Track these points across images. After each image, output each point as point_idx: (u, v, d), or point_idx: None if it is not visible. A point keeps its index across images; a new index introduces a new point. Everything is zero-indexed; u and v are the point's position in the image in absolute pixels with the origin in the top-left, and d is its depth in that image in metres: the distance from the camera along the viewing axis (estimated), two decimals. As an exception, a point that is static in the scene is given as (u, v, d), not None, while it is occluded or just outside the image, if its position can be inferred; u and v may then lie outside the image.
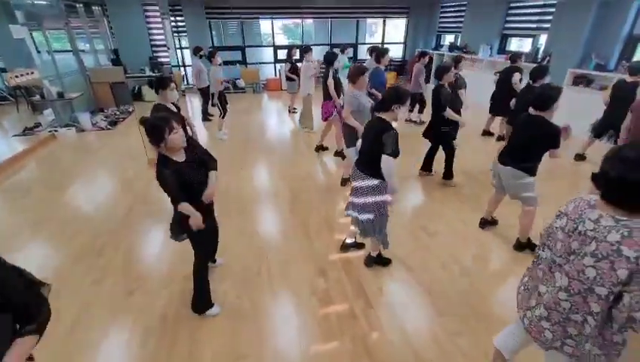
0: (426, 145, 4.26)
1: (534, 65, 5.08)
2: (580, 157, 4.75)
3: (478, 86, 7.00)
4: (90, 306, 2.41)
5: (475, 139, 5.76)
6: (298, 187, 4.16)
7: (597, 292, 1.12)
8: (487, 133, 5.90)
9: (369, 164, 2.32)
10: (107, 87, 7.83)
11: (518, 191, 2.74)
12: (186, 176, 1.92)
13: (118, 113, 7.60)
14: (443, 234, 3.22)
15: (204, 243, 2.24)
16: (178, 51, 10.17)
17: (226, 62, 10.16)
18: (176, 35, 9.81)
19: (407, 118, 6.80)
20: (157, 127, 1.82)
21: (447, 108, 3.67)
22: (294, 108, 7.52)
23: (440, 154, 4.13)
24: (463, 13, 9.22)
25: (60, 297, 2.46)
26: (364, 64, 5.58)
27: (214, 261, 2.75)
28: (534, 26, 7.11)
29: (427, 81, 7.05)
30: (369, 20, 12.34)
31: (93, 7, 8.39)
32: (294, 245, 3.07)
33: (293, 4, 9.78)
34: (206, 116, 7.01)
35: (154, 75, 8.63)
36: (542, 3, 6.86)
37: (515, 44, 8.22)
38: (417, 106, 6.55)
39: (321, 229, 3.28)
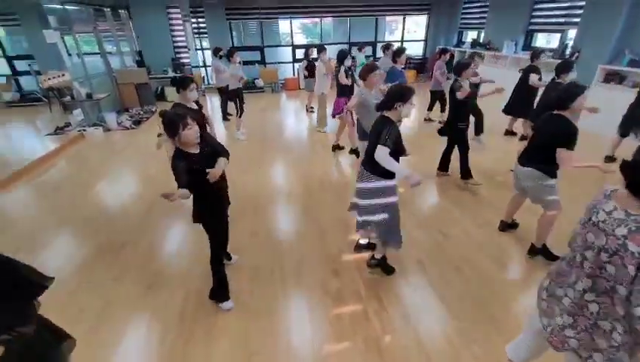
0: (444, 144, 4.17)
1: (563, 60, 4.87)
2: (610, 158, 4.51)
3: (502, 83, 6.77)
4: (110, 303, 2.51)
5: (497, 139, 5.58)
6: (313, 186, 4.18)
7: (619, 292, 1.08)
8: (509, 132, 5.71)
9: (372, 162, 2.29)
10: (132, 87, 8.12)
11: (539, 193, 2.63)
12: (198, 165, 2.00)
13: (142, 113, 7.87)
14: (459, 236, 3.15)
15: (218, 232, 2.31)
16: (199, 52, 10.42)
17: (245, 63, 10.32)
18: (197, 36, 10.05)
19: (427, 117, 6.67)
20: (172, 122, 1.95)
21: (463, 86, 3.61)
22: (312, 107, 7.54)
23: (456, 154, 4.04)
24: (486, 9, 8.94)
25: (83, 293, 2.59)
26: (378, 62, 5.56)
27: (230, 258, 2.81)
28: (562, 20, 6.80)
29: (448, 78, 6.89)
30: (389, 18, 12.17)
31: (120, 11, 8.71)
32: (308, 244, 3.09)
33: (312, 4, 9.79)
34: (225, 115, 7.14)
35: (176, 75, 8.89)
36: (571, -4, 6.55)
37: (541, 40, 7.89)
38: (439, 105, 6.38)
39: (335, 229, 3.28)
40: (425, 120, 6.68)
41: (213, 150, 2.16)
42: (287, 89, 10.33)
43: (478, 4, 9.38)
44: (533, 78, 4.72)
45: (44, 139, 6.20)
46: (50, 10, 6.57)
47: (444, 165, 4.28)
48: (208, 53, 10.21)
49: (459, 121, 3.78)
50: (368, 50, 8.98)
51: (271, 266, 2.81)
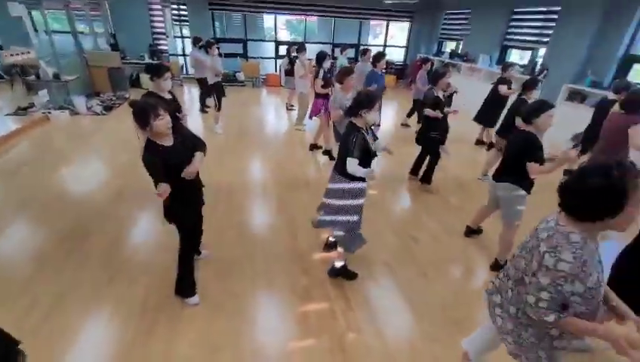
0: (418, 149, 4.30)
1: (529, 77, 5.15)
2: (569, 172, 4.81)
3: (475, 95, 7.05)
4: (70, 291, 2.41)
5: (468, 148, 5.82)
6: (289, 184, 4.18)
7: (526, 281, 1.29)
8: (480, 142, 5.96)
9: (341, 167, 2.33)
10: (105, 71, 7.76)
11: (511, 202, 2.70)
12: (174, 160, 1.94)
13: (114, 98, 7.53)
14: (427, 241, 3.26)
15: (190, 230, 2.26)
16: (179, 40, 10.11)
17: (226, 55, 10.15)
18: (177, 23, 9.75)
19: (404, 122, 6.84)
20: (143, 111, 1.87)
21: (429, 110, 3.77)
22: (292, 105, 7.52)
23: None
24: (466, 22, 9.27)
25: (40, 280, 2.46)
26: (356, 65, 5.64)
27: (199, 253, 2.76)
28: (534, 39, 7.18)
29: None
30: (373, 22, 12.34)
31: (95, -10, 8.29)
32: (280, 242, 3.09)
33: (298, 1, 9.76)
34: (203, 108, 6.98)
35: (152, 62, 8.59)
36: (543, 17, 6.93)
37: (515, 56, 8.28)
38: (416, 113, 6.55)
39: (308, 228, 3.29)
40: (402, 125, 6.85)
41: (188, 143, 2.10)
42: (268, 85, 10.23)
43: (459, 17, 9.71)
44: (502, 88, 4.97)
45: (5, 119, 5.79)
46: (16, -18, 6.14)
47: (416, 170, 4.40)
48: (189, 42, 9.94)
49: (431, 130, 3.91)
50: (350, 52, 9.05)
51: (241, 262, 2.79)
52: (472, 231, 3.32)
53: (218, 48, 5.68)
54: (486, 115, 5.34)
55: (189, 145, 2.09)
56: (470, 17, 9.04)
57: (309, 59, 5.68)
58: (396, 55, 11.85)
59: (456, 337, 2.21)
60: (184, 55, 10.17)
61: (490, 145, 5.45)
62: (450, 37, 10.32)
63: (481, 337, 1.71)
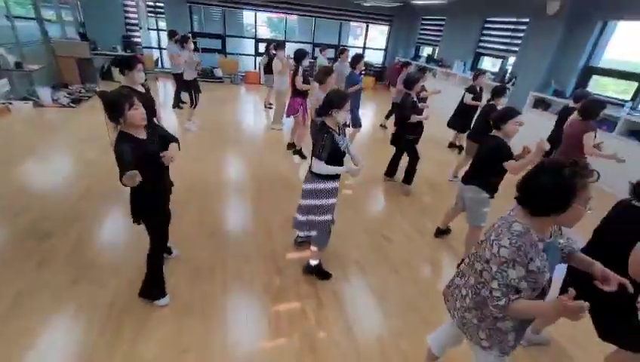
0: (393, 150, 4.41)
1: (499, 84, 5.40)
2: None
3: (450, 99, 7.29)
4: (30, 292, 2.30)
5: (441, 151, 6.01)
6: (264, 183, 4.16)
7: (475, 267, 1.38)
8: (452, 145, 6.18)
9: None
10: (73, 62, 7.40)
11: (476, 205, 2.82)
12: (148, 152, 1.89)
13: (83, 91, 7.20)
14: (399, 241, 3.35)
15: (160, 229, 2.21)
16: (154, 33, 9.80)
17: (204, 50, 9.95)
18: (152, 15, 9.44)
19: (382, 124, 6.97)
20: (116, 101, 1.80)
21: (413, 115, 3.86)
22: (270, 104, 7.48)
23: (404, 161, 4.28)
24: (441, 28, 9.55)
25: (-3, 282, 2.34)
26: (334, 65, 5.68)
27: (170, 252, 2.71)
28: (505, 48, 7.51)
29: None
30: (353, 23, 12.46)
31: (63, -25, 7.89)
32: (254, 241, 3.08)
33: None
34: (177, 103, 6.80)
35: (126, 54, 8.28)
36: (512, 27, 7.26)
37: (487, 63, 8.63)
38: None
39: (282, 227, 3.31)
40: (380, 125, 6.98)
41: (161, 138, 2.05)
42: (247, 82, 10.11)
43: (435, 23, 9.99)
44: (467, 97, 5.20)
45: (-42, 109, 5.41)
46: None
47: (391, 171, 4.51)
48: (165, 35, 9.66)
49: (406, 133, 4.02)
50: (330, 52, 9.10)
51: (213, 261, 2.76)
52: (442, 232, 3.45)
53: (195, 43, 5.57)
54: (458, 120, 5.55)
55: (162, 139, 2.05)
56: (445, 24, 9.32)
57: (289, 58, 5.65)
58: (375, 57, 12.04)
59: (422, 332, 2.29)
60: (160, 48, 9.87)
61: (462, 149, 5.68)
62: (427, 42, 10.59)
63: (445, 332, 1.79)
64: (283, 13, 10.34)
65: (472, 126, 5.02)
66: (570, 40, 5.96)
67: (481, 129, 4.06)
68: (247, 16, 11.37)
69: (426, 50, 10.83)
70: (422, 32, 10.73)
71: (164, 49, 9.65)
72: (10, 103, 5.75)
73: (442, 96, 7.36)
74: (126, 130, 1.87)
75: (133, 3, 8.66)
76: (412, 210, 3.93)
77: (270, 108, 7.40)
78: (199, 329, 2.16)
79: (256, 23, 10.36)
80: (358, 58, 5.01)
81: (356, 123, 5.05)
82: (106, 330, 2.09)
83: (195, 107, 5.64)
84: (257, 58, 10.36)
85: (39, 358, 1.92)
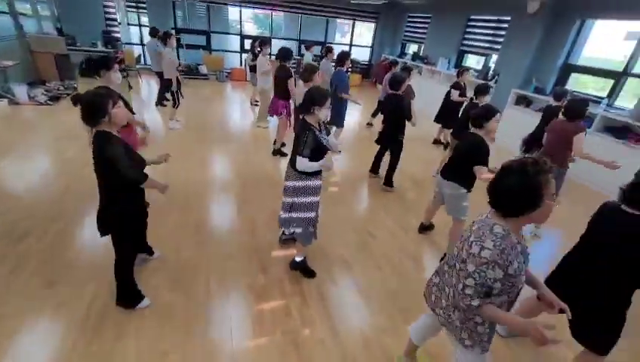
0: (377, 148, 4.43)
1: (482, 82, 5.49)
2: None
3: (434, 96, 7.37)
4: (3, 296, 2.22)
5: (426, 147, 6.08)
6: (250, 181, 4.13)
7: (458, 267, 1.37)
8: (437, 141, 6.25)
9: (295, 164, 2.38)
10: (51, 58, 7.16)
11: (455, 200, 2.88)
12: (132, 154, 1.85)
13: (62, 88, 6.98)
14: (384, 237, 3.38)
15: (130, 240, 2.14)
16: (136, 28, 9.57)
17: (188, 46, 9.78)
18: (134, 10, 9.21)
19: (369, 122, 6.99)
20: (98, 102, 1.74)
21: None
22: (257, 101, 7.40)
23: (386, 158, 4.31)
24: (427, 25, 9.63)
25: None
26: (320, 63, 5.66)
27: (152, 253, 2.66)
28: (488, 45, 7.63)
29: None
30: (340, 20, 12.44)
31: (39, -32, 7.61)
32: (238, 240, 3.06)
33: (264, -5, 9.60)
34: (161, 101, 6.67)
35: (107, 50, 8.06)
36: (495, 25, 7.37)
37: (471, 61, 8.75)
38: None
39: (267, 225, 3.29)
40: (367, 124, 7.00)
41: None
42: (233, 79, 9.99)
43: (420, 21, 10.07)
44: (454, 93, 5.28)
45: None
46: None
47: (375, 167, 4.53)
48: (147, 31, 9.45)
49: (400, 133, 4.04)
50: (316, 49, 9.07)
51: (196, 261, 2.73)
52: (425, 228, 3.49)
53: (179, 40, 5.46)
54: (443, 116, 5.62)
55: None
56: (431, 22, 9.41)
57: (271, 56, 5.59)
58: (361, 54, 12.06)
59: (405, 327, 2.33)
60: (142, 44, 9.64)
61: (447, 145, 5.75)
62: (413, 39, 10.67)
63: (425, 323, 1.84)
64: (269, 9, 10.24)
65: (456, 123, 5.08)
66: (549, 38, 6.10)
67: (465, 126, 4.11)
68: (233, 12, 11.20)
69: (412, 48, 10.90)
70: (408, 29, 10.80)
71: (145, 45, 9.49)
72: (-16, 101, 5.54)
73: (426, 94, 7.43)
74: (109, 129, 1.81)
75: (113, -3, 8.43)
76: (396, 207, 3.96)
77: (256, 105, 7.33)
78: (181, 331, 2.14)
79: (241, 19, 10.23)
80: (344, 56, 4.96)
81: (339, 122, 5.02)
82: (84, 335, 2.04)
83: (177, 106, 5.54)
84: (243, 55, 10.24)
85: (13, 364, 1.86)
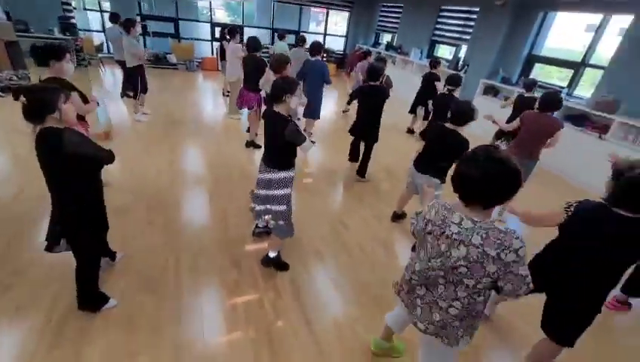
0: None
1: (453, 72, 5.60)
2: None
3: (408, 86, 7.47)
4: (-48, 305, 2.08)
5: (400, 137, 6.17)
6: (222, 174, 4.04)
7: (466, 283, 1.29)
8: (411, 131, 6.36)
9: (277, 160, 2.34)
10: (1, 45, 6.60)
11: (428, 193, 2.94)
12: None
13: (15, 78, 6.47)
14: (357, 226, 3.42)
15: (91, 247, 2.03)
16: (97, 14, 9.01)
17: (155, 34, 9.33)
18: (94, -6, 8.64)
19: (345, 109, 6.99)
20: (47, 97, 1.60)
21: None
22: (229, 92, 7.21)
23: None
24: (399, 15, 9.67)
25: None
26: (291, 54, 5.55)
27: (114, 258, 2.52)
28: (458, 36, 7.78)
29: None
30: (316, 9, 12.26)
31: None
32: (210, 235, 3.00)
33: (234, -19, 9.26)
34: (125, 91, 6.34)
35: (65, 37, 7.55)
36: (465, 16, 7.51)
37: (443, 51, 8.90)
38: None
39: (240, 219, 3.24)
40: (343, 111, 7.00)
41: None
42: (204, 69, 9.65)
43: (393, 11, 10.09)
44: (439, 85, 5.34)
45: None
46: None
47: (355, 156, 4.50)
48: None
49: (378, 124, 4.02)
50: (290, 38, 8.91)
51: (165, 258, 2.65)
52: (398, 216, 3.57)
53: (145, 27, 5.16)
54: (418, 106, 5.68)
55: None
56: (403, 11, 9.45)
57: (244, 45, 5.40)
58: (336, 44, 11.98)
59: (377, 314, 2.39)
60: (104, 31, 9.09)
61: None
62: (386, 29, 10.70)
63: (402, 317, 1.82)
64: (240, -4, 9.91)
65: (432, 114, 5.14)
66: (515, 29, 6.29)
67: (443, 118, 4.17)
68: (202, -2, 10.75)
69: (386, 38, 10.94)
70: (381, 19, 10.81)
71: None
72: None
73: (400, 84, 7.49)
74: (58, 125, 1.65)
75: (70, -20, 7.86)
76: (370, 197, 4.01)
77: (228, 96, 7.14)
78: (151, 331, 2.08)
79: (211, 6, 9.85)
80: (318, 46, 4.85)
81: (316, 114, 4.98)
82: (45, 341, 1.94)
83: (138, 98, 5.27)
84: (214, 43, 9.90)
85: (-35, 376, 1.75)
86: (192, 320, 2.20)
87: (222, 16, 13.48)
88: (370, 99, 3.90)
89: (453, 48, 8.19)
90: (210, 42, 10.07)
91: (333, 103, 7.98)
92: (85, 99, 2.65)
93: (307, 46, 5.07)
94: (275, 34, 8.80)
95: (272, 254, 2.65)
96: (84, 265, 2.01)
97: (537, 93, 4.47)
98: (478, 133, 5.59)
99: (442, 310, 1.39)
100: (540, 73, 6.51)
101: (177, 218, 3.21)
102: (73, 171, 1.72)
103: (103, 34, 9.10)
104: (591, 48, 5.46)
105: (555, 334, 1.85)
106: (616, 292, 2.64)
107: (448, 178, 1.39)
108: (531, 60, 6.32)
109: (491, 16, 6.52)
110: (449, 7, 7.95)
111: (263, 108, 4.62)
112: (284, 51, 6.04)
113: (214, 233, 3.04)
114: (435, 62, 5.56)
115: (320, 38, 11.32)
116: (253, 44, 4.39)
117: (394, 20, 10.10)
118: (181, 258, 2.69)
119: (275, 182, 2.37)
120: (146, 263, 2.59)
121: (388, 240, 3.28)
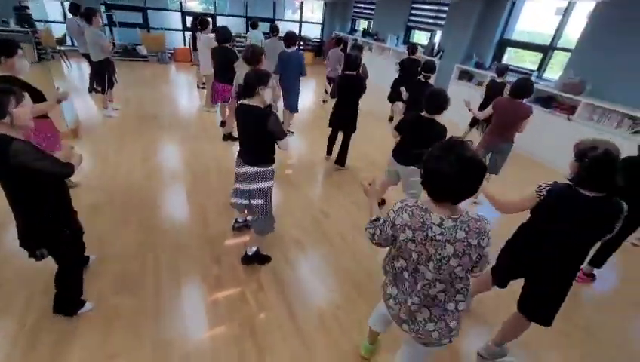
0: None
1: (429, 58, 5.63)
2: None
3: (385, 73, 7.47)
4: None
5: (377, 124, 6.20)
6: (199, 169, 3.96)
7: (459, 275, 1.29)
8: (392, 119, 6.40)
9: (256, 155, 2.31)
10: (-49, 40, 6.13)
11: (413, 181, 2.94)
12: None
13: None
14: (337, 215, 3.45)
15: (73, 251, 1.97)
16: (57, 4, 8.48)
17: (122, 24, 8.90)
18: (53, -18, 8.12)
19: (324, 99, 6.94)
20: None
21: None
22: (204, 84, 7.01)
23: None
24: (374, 1, 9.60)
25: None
26: (266, 43, 5.43)
27: (87, 262, 2.43)
28: (432, 22, 7.81)
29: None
30: (288, -4, 11.99)
31: None
32: (189, 232, 2.95)
33: (203, -33, 8.90)
34: (93, 86, 6.05)
35: (22, 30, 7.07)
36: (438, 1, 7.53)
37: (419, 37, 8.94)
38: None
39: (219, 214, 3.21)
40: (323, 101, 6.96)
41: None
42: (177, 60, 9.33)
43: (369, -4, 10.00)
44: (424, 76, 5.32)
45: None
46: None
47: (330, 149, 4.55)
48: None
49: (356, 113, 4.02)
50: (264, 26, 8.71)
51: (143, 257, 2.60)
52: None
53: (111, 16, 4.90)
54: (396, 94, 5.68)
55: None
56: (378, -3, 9.38)
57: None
58: (313, 32, 11.81)
59: (356, 300, 2.44)
60: (65, 23, 8.59)
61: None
62: (362, 16, 10.61)
63: (384, 317, 1.75)
64: (210, -17, 9.55)
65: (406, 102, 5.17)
66: (487, 14, 6.38)
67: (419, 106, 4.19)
68: (171, -15, 10.29)
69: (363, 24, 10.86)
70: (357, 5, 10.69)
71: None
72: None
73: (377, 70, 7.47)
74: (7, 132, 1.51)
75: (24, -33, 7.32)
76: (350, 185, 4.04)
77: (204, 88, 6.94)
78: (130, 332, 2.05)
79: (180, -7, 9.46)
80: (292, 37, 4.65)
81: (294, 107, 4.91)
82: (18, 349, 1.88)
83: (106, 93, 5.04)
84: (186, 33, 9.55)
85: None
86: (173, 318, 2.17)
87: (193, 4, 12.98)
88: (348, 90, 3.87)
89: (429, 34, 8.25)
90: (182, 32, 9.71)
91: (311, 93, 7.91)
92: (42, 97, 2.50)
93: (281, 35, 4.96)
94: (249, 23, 8.57)
95: (250, 251, 2.62)
96: (65, 268, 1.95)
97: (511, 78, 4.60)
98: (455, 120, 5.73)
99: (417, 304, 1.36)
100: (514, 57, 6.65)
101: (154, 216, 3.13)
102: (26, 184, 1.61)
103: (64, 25, 8.60)
104: (559, 31, 5.61)
105: (533, 315, 1.89)
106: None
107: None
108: (503, 45, 6.45)
109: (464, 1, 6.58)
110: (423, -7, 7.95)
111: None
112: (258, 41, 5.90)
113: (193, 229, 2.99)
114: (413, 47, 5.57)
115: (296, 26, 11.11)
116: (223, 34, 4.25)
117: (369, 6, 10.02)
118: (159, 256, 2.64)
119: (254, 176, 2.33)
120: (122, 264, 2.53)
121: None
